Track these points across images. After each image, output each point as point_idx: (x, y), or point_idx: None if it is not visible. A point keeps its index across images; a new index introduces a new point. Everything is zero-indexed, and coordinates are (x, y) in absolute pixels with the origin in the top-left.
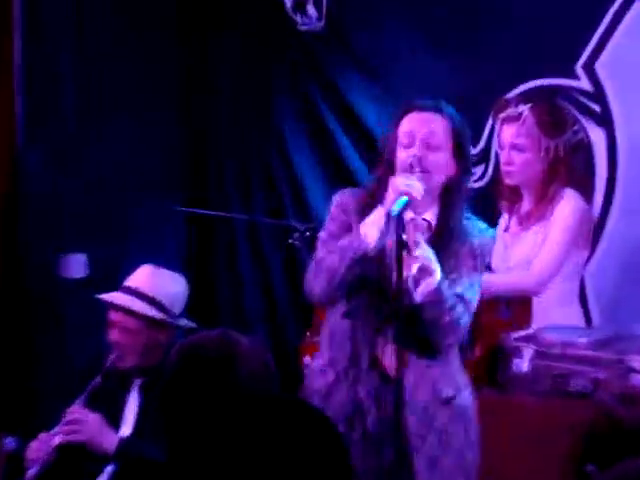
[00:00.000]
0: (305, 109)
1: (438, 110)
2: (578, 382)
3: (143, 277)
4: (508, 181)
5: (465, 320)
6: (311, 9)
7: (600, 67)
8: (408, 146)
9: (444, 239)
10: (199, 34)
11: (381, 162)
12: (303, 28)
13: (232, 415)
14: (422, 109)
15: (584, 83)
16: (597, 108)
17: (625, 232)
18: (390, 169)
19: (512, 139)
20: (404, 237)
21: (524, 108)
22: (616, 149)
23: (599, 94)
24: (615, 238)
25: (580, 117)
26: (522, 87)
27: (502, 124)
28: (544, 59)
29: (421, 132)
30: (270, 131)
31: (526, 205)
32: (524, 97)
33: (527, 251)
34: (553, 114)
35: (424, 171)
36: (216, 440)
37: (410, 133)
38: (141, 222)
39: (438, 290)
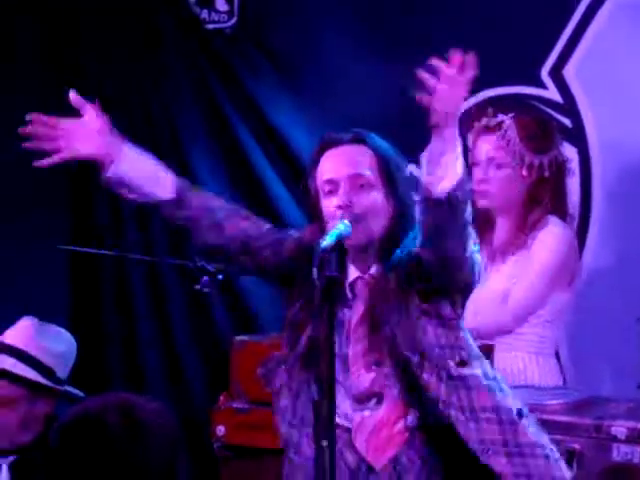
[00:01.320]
0: (215, 125)
1: (356, 141)
2: None
3: (24, 333)
4: (482, 203)
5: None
6: (221, 3)
7: (568, 74)
8: (332, 194)
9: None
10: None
11: (309, 215)
12: (210, 27)
13: None
14: (340, 143)
15: (552, 93)
16: (568, 122)
17: (602, 265)
18: (319, 223)
19: (490, 152)
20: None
21: (505, 118)
22: (590, 171)
23: (569, 105)
24: (591, 274)
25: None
26: (478, 97)
27: (478, 135)
28: (505, 64)
29: (343, 172)
30: (175, 156)
31: (501, 235)
32: (503, 106)
33: (503, 288)
34: (540, 125)
35: (357, 220)
36: None
37: (331, 179)
38: (17, 262)
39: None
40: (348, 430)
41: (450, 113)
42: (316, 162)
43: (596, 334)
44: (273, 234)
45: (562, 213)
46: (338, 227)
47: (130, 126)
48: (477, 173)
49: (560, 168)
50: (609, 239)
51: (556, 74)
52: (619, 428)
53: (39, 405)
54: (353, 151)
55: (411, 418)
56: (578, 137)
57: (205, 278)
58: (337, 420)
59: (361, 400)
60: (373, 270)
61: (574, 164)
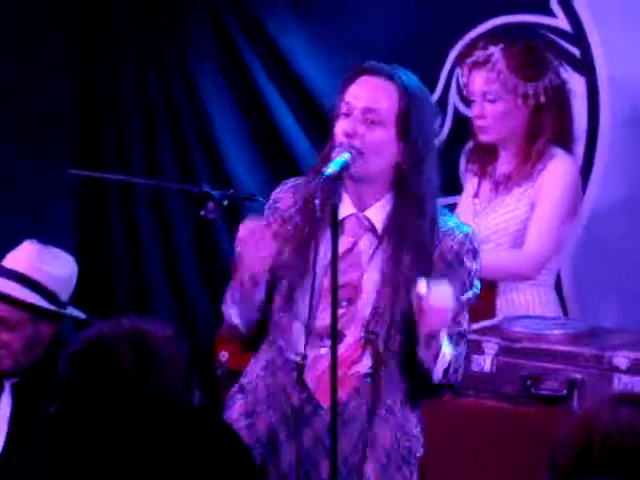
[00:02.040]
0: (225, 53)
1: (389, 77)
2: (551, 384)
3: (26, 257)
4: (483, 138)
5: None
6: None
7: (579, 3)
8: (345, 117)
9: (394, 245)
10: None
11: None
12: None
13: (145, 437)
14: (370, 73)
15: (561, 22)
16: (576, 51)
17: (609, 200)
18: (329, 145)
19: (483, 87)
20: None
21: (494, 49)
22: (598, 102)
23: (578, 35)
24: (598, 208)
25: (558, 62)
26: (486, 25)
27: (470, 70)
28: None
29: (361, 101)
30: (182, 81)
31: (504, 166)
32: (493, 37)
33: (507, 219)
34: (529, 53)
35: (357, 152)
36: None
37: (348, 102)
38: (22, 185)
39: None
40: (296, 367)
41: None
42: (345, 85)
43: (604, 268)
44: None
45: (566, 139)
46: (343, 155)
47: (141, 62)
48: (474, 109)
49: (558, 92)
50: (616, 171)
51: (566, 3)
52: (620, 359)
53: (42, 328)
54: (379, 85)
55: (366, 364)
56: (587, 67)
57: (210, 204)
58: (287, 355)
59: (321, 336)
60: (371, 212)
61: (580, 92)
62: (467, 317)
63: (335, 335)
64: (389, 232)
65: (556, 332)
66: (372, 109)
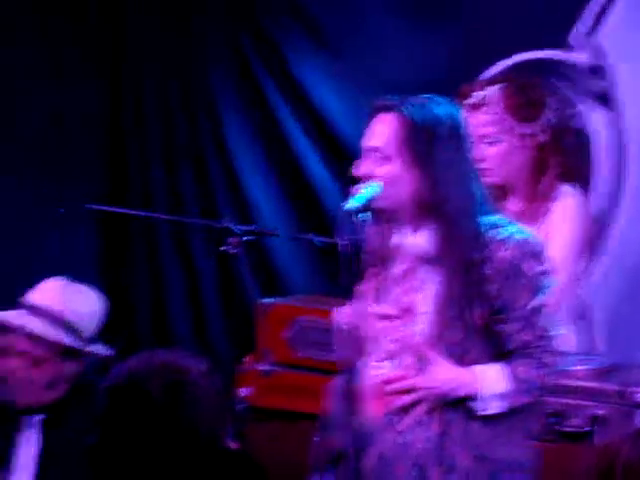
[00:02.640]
0: (246, 88)
1: (390, 109)
2: (575, 421)
3: (51, 292)
4: (487, 181)
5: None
6: None
7: (602, 37)
8: (363, 159)
9: (442, 269)
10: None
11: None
12: None
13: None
14: (379, 110)
15: (580, 55)
16: (596, 84)
17: (634, 238)
18: None
19: (480, 130)
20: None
21: (491, 90)
22: (624, 134)
23: (598, 67)
24: (622, 246)
25: (574, 97)
26: (508, 61)
27: (468, 114)
28: (535, 28)
29: (368, 141)
30: (204, 116)
31: (513, 206)
32: (492, 78)
33: None
34: (524, 92)
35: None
36: None
37: (363, 146)
38: (47, 221)
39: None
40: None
41: None
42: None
43: (631, 299)
44: None
45: (573, 175)
46: (367, 190)
47: (166, 99)
48: (475, 152)
49: (560, 129)
50: None
51: (586, 36)
52: None
53: (67, 365)
54: (380, 120)
55: None
56: (608, 99)
57: (231, 239)
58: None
59: (389, 357)
60: (417, 237)
61: (602, 127)
62: (540, 323)
63: None
64: (435, 257)
65: (579, 368)
66: (375, 146)
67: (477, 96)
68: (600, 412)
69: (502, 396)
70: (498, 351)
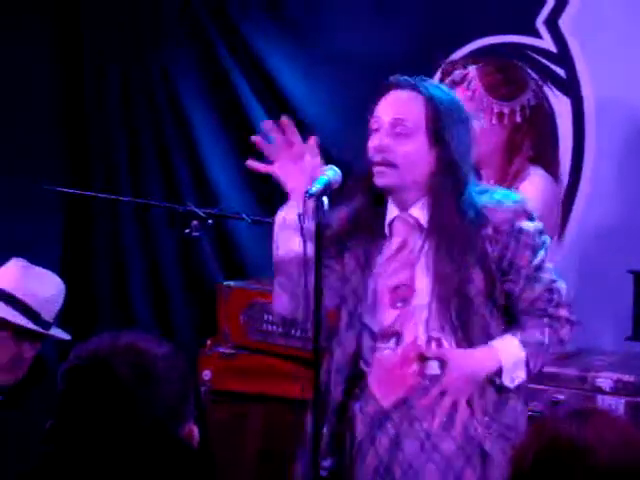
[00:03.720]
0: (209, 69)
1: (414, 88)
2: (535, 405)
3: (11, 276)
4: None
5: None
6: None
7: (564, 23)
8: (376, 132)
9: (441, 239)
10: None
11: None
12: None
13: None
14: (397, 87)
15: (546, 42)
16: (561, 72)
17: (592, 223)
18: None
19: None
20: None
21: (471, 68)
22: (583, 121)
23: (563, 55)
24: (582, 228)
25: (541, 83)
26: (472, 45)
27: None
28: (499, 13)
29: (388, 115)
30: (167, 99)
31: (484, 183)
32: (474, 57)
33: None
34: (504, 72)
35: (389, 165)
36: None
37: (376, 116)
38: (9, 204)
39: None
40: (365, 374)
41: None
42: (375, 102)
43: (588, 287)
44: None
45: (546, 160)
46: (327, 173)
47: (128, 81)
48: None
49: (537, 112)
50: (601, 192)
51: (552, 23)
52: (604, 380)
53: (25, 347)
54: (405, 96)
55: (432, 365)
56: (572, 87)
57: (194, 222)
58: (361, 366)
59: (382, 337)
60: (415, 210)
61: (566, 114)
62: (545, 279)
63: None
64: (434, 228)
65: None
66: (400, 120)
67: (458, 73)
68: (561, 397)
69: (524, 363)
70: (506, 315)
